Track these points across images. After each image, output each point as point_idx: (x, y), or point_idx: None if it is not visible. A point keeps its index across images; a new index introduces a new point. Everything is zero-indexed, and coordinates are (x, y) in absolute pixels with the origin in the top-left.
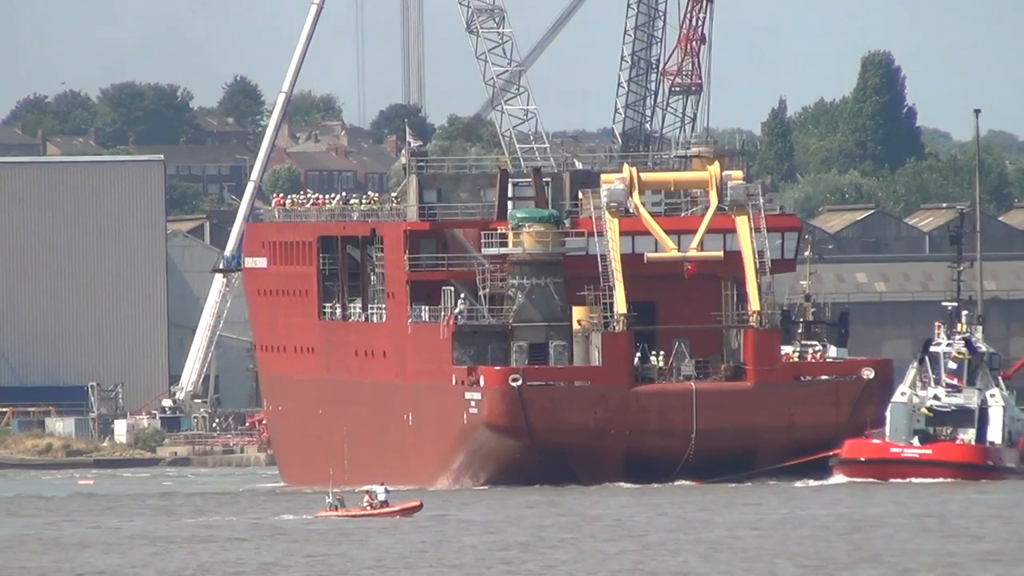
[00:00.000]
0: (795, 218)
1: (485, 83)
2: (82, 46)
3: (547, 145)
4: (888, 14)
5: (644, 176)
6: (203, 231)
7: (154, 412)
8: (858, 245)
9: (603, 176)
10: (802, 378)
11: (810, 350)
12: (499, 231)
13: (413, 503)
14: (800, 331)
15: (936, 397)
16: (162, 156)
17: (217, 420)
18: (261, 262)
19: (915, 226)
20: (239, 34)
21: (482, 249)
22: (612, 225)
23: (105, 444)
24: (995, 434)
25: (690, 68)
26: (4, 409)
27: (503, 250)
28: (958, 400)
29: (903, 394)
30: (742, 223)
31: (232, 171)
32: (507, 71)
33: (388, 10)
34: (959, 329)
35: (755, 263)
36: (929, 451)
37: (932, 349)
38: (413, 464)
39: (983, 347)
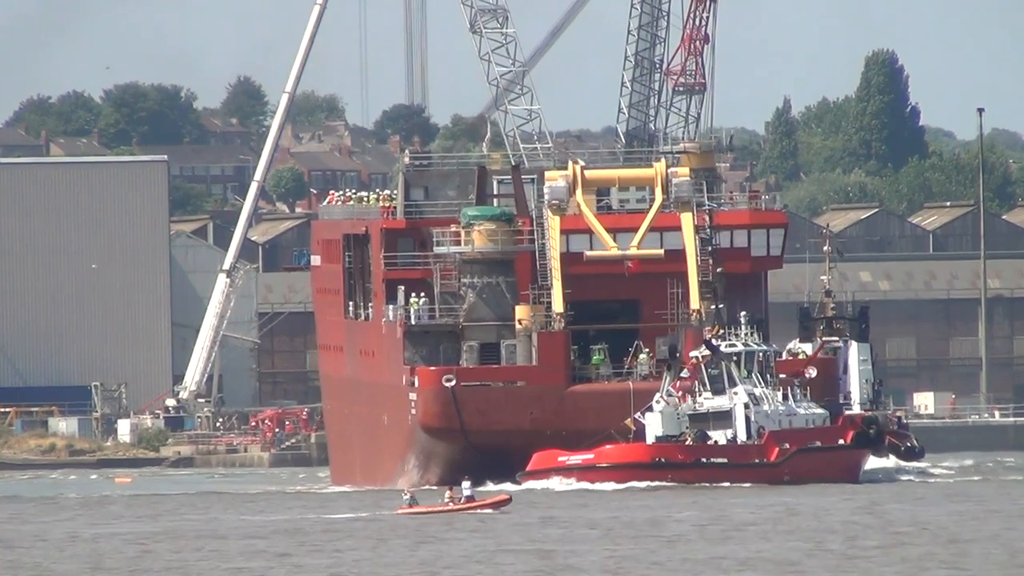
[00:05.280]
0: (781, 214)
1: (489, 83)
2: (85, 46)
3: (551, 145)
4: (891, 13)
5: (588, 174)
6: (207, 231)
7: (157, 412)
8: (862, 244)
9: (547, 173)
10: None
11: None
12: (452, 229)
13: (503, 497)
14: (821, 327)
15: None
16: (165, 157)
17: (220, 420)
18: (318, 260)
19: (919, 225)
20: (242, 34)
21: (434, 248)
22: (553, 223)
23: (108, 444)
24: (740, 431)
25: (693, 68)
26: (7, 409)
27: (454, 248)
28: (712, 403)
29: (657, 401)
30: (686, 220)
31: (236, 171)
32: (511, 71)
33: (391, 10)
34: (712, 333)
35: (697, 261)
36: (592, 456)
37: (682, 354)
38: (387, 464)
39: (740, 347)
